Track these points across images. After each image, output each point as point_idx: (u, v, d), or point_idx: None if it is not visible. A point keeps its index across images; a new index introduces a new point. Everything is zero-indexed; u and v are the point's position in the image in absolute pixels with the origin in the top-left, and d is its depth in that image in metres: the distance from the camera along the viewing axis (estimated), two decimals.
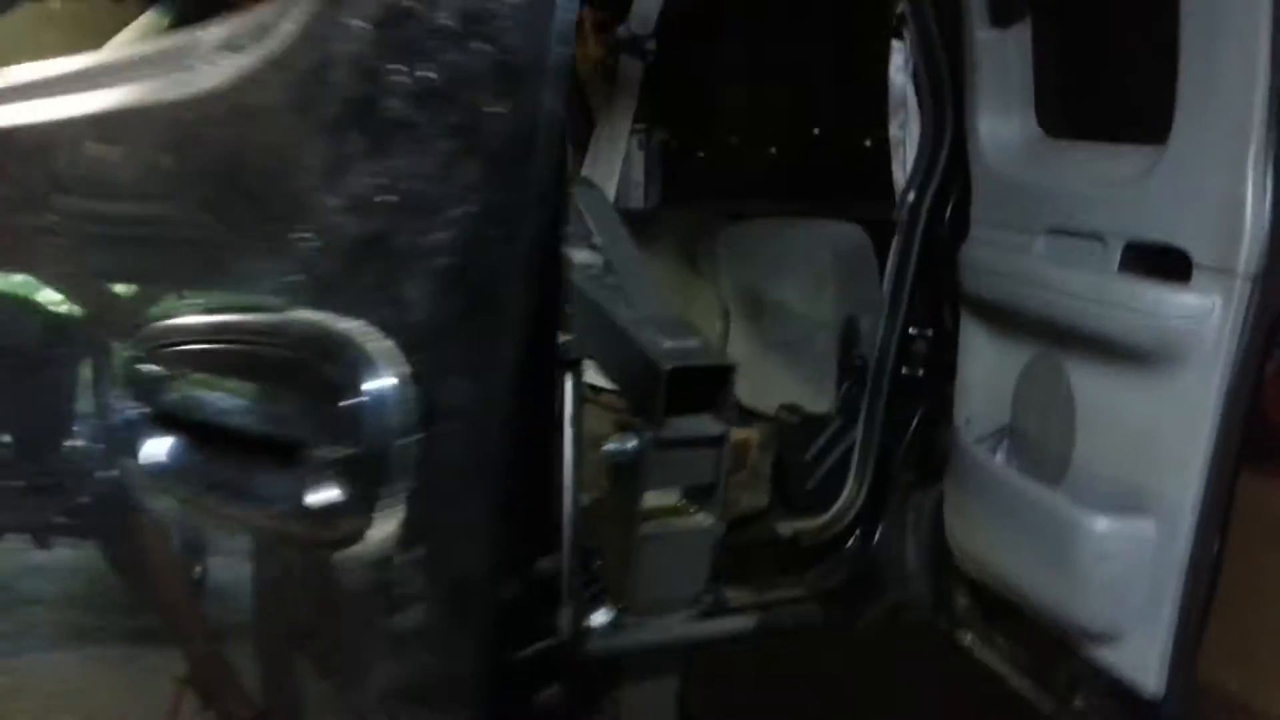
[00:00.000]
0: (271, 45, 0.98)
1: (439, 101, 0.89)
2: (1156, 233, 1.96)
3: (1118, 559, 1.95)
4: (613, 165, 2.50)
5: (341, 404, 0.90)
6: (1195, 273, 1.88)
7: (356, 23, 0.91)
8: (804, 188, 3.38)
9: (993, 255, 2.33)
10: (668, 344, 1.54)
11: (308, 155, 0.97)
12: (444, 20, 0.89)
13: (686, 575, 1.64)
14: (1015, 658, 2.41)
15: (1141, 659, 1.95)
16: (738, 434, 2.93)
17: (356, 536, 0.93)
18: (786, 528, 2.67)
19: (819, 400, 2.84)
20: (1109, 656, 2.01)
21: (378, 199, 0.90)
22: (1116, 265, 2.04)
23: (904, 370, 2.64)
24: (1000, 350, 2.34)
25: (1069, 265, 2.13)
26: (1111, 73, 2.34)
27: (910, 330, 2.63)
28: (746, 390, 3.14)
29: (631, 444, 1.54)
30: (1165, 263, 1.95)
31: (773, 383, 3.02)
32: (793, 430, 2.79)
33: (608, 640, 1.66)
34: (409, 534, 0.91)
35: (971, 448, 2.32)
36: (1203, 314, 1.85)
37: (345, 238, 0.92)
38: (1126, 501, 1.98)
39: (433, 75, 0.89)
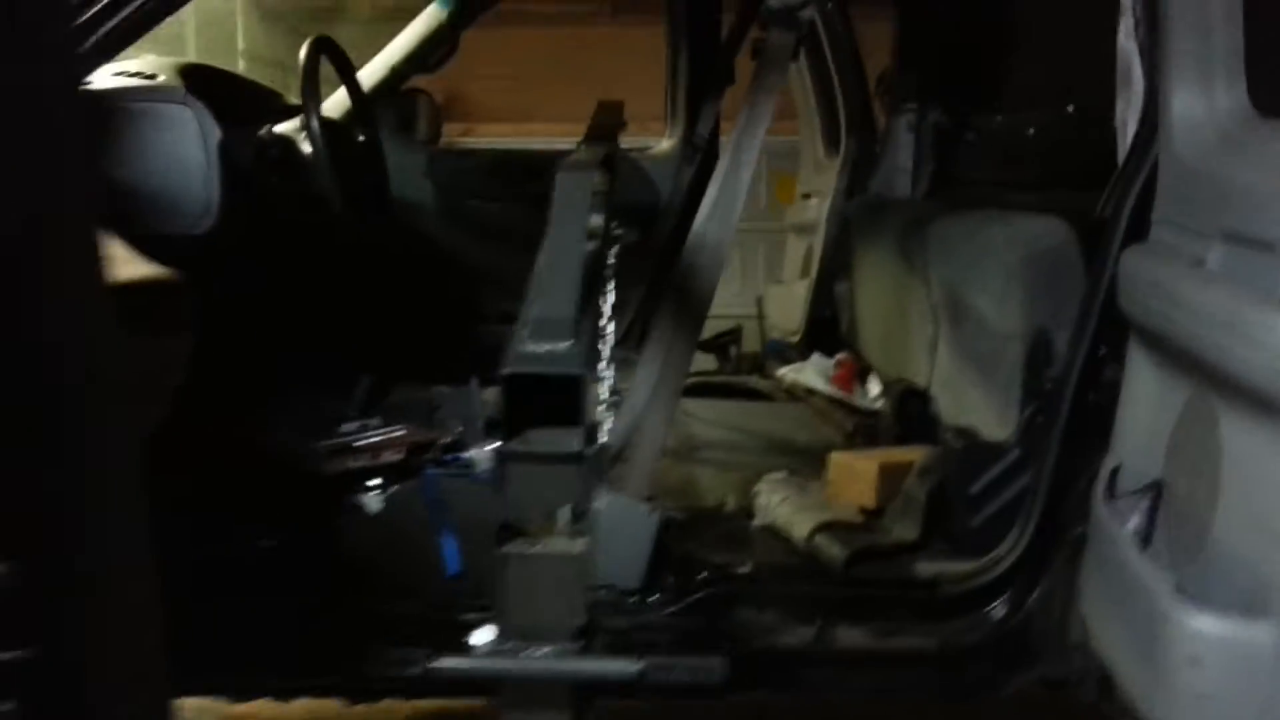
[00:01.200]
0: None
1: None
2: None
3: (1216, 668, 1.49)
4: (751, 152, 2.26)
5: None
6: None
7: None
8: (1056, 174, 2.90)
9: (1150, 266, 1.85)
10: (528, 347, 1.37)
11: None
12: None
13: (556, 601, 1.46)
14: None
15: None
16: (897, 455, 2.59)
17: None
18: (928, 569, 2.30)
19: (1001, 425, 2.42)
20: None
21: None
22: None
23: (1089, 398, 2.18)
24: (1160, 386, 1.86)
25: (1227, 284, 1.64)
26: None
27: (1100, 350, 2.16)
28: (946, 408, 2.77)
29: (491, 453, 1.40)
30: None
31: (965, 400, 2.62)
32: (958, 458, 2.40)
33: (485, 661, 1.52)
34: None
35: (1101, 503, 1.87)
36: None
37: None
38: (1251, 596, 1.50)
39: None
